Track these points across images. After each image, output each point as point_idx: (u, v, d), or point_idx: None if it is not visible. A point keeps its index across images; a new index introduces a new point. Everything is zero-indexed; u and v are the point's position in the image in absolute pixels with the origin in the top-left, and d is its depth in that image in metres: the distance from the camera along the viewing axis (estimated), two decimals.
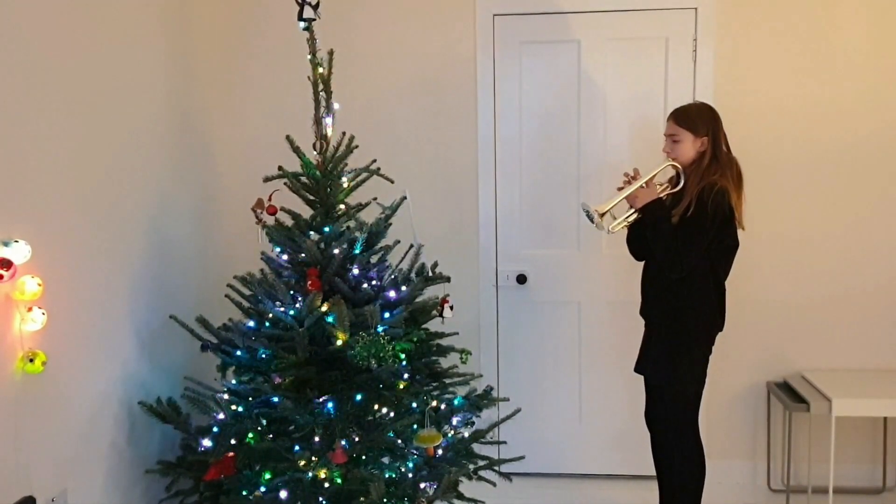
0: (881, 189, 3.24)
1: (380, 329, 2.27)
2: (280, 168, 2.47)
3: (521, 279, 3.45)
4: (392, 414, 2.37)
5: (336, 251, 2.40)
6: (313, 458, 2.22)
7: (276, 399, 2.27)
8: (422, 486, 2.36)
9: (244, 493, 2.31)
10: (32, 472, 1.97)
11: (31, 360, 1.89)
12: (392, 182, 2.60)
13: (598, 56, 3.31)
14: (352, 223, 2.52)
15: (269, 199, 2.50)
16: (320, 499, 2.26)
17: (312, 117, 2.48)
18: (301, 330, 2.25)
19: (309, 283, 2.36)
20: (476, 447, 2.60)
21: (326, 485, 2.23)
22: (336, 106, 2.51)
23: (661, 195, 2.63)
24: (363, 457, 2.36)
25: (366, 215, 2.60)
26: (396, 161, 3.15)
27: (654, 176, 2.64)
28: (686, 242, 2.51)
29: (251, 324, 2.44)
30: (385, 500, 2.24)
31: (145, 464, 2.55)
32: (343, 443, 2.24)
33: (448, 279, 2.66)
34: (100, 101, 2.35)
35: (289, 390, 2.32)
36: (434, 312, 2.59)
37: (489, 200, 3.42)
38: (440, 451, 2.45)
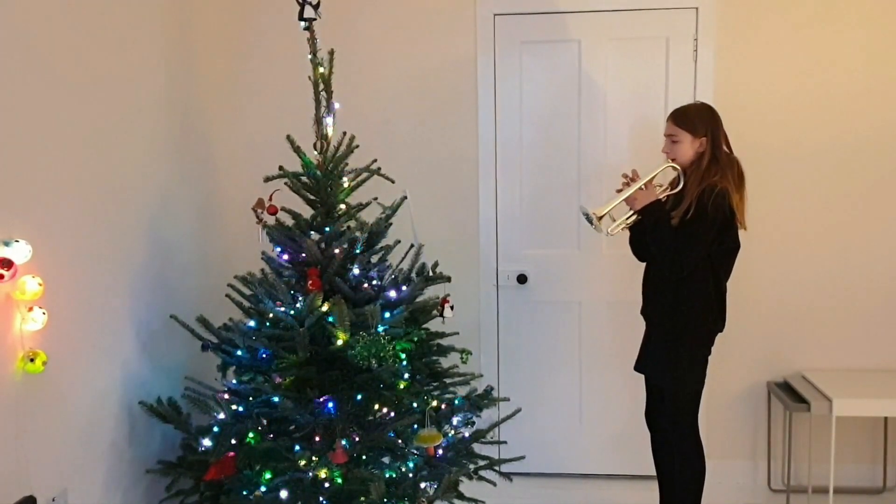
0: (882, 188, 3.24)
1: (380, 329, 2.27)
2: (281, 168, 2.47)
3: (522, 279, 3.45)
4: (392, 414, 2.37)
5: (336, 251, 2.40)
6: (314, 458, 2.22)
7: (276, 399, 2.27)
8: (422, 485, 2.36)
9: (244, 492, 2.31)
10: (33, 472, 1.97)
11: (32, 360, 1.89)
12: (392, 182, 2.60)
13: (598, 56, 3.31)
14: (352, 223, 2.52)
15: (270, 199, 2.50)
16: (321, 498, 2.26)
17: (313, 117, 2.48)
18: (301, 330, 2.25)
19: (309, 282, 2.36)
20: (476, 447, 2.60)
21: (327, 485, 2.23)
22: (336, 105, 2.51)
23: (661, 196, 2.62)
24: (363, 457, 2.36)
25: (366, 215, 2.60)
26: (397, 161, 3.15)
27: (654, 177, 2.63)
28: (686, 244, 2.51)
29: (252, 323, 2.44)
30: (385, 499, 2.24)
31: (146, 463, 2.55)
32: (343, 442, 2.24)
33: (448, 279, 2.66)
34: (100, 100, 2.35)
35: (289, 390, 2.32)
36: (434, 312, 2.59)
37: (489, 200, 3.42)
38: (440, 451, 2.45)
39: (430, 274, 2.64)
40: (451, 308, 2.60)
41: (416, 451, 2.41)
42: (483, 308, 3.48)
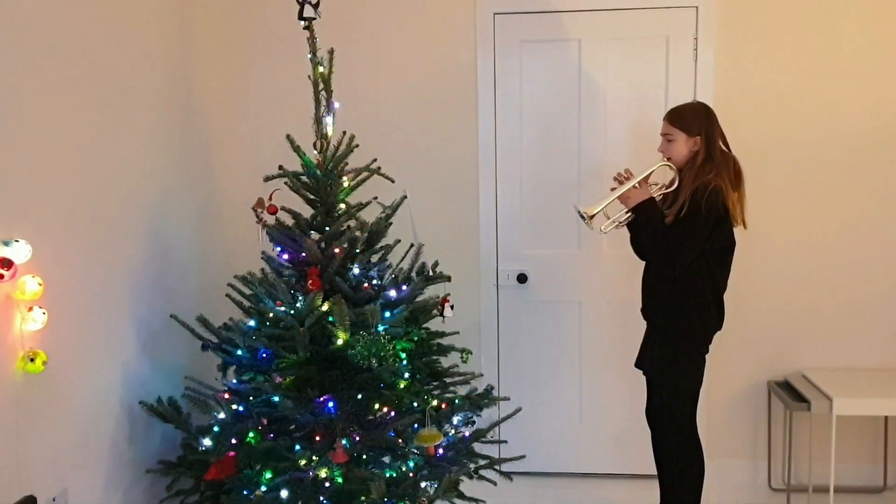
0: (883, 188, 3.23)
1: (380, 328, 2.27)
2: (280, 167, 2.47)
3: (522, 278, 3.45)
4: (393, 413, 2.37)
5: (337, 250, 2.40)
6: (314, 458, 2.22)
7: (276, 398, 2.27)
8: (422, 485, 2.36)
9: (245, 492, 2.31)
10: (33, 472, 1.97)
11: (32, 360, 1.89)
12: (392, 181, 2.60)
13: (598, 55, 3.31)
14: (352, 222, 2.52)
15: (270, 199, 2.50)
16: (321, 498, 2.26)
17: (313, 116, 2.48)
18: (302, 329, 2.25)
19: (309, 282, 2.36)
20: (477, 446, 2.60)
21: (327, 484, 2.23)
22: (336, 105, 2.51)
23: (657, 195, 2.64)
24: (364, 456, 2.36)
25: (366, 214, 2.60)
26: (397, 160, 3.15)
27: (648, 176, 2.65)
28: (679, 242, 2.52)
29: (252, 323, 2.44)
30: (386, 499, 2.24)
31: (146, 463, 2.55)
32: (344, 442, 2.24)
33: (448, 278, 2.66)
34: (100, 100, 2.35)
35: (289, 390, 2.32)
36: (434, 312, 2.59)
37: (490, 199, 3.42)
38: (441, 451, 2.45)
39: (431, 273, 2.64)
40: (452, 307, 2.60)
41: (416, 451, 2.41)
42: (483, 307, 3.48)
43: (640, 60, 3.29)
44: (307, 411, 2.27)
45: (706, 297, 2.59)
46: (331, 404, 2.28)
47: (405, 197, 2.64)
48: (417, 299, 2.55)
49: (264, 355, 2.36)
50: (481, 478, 2.60)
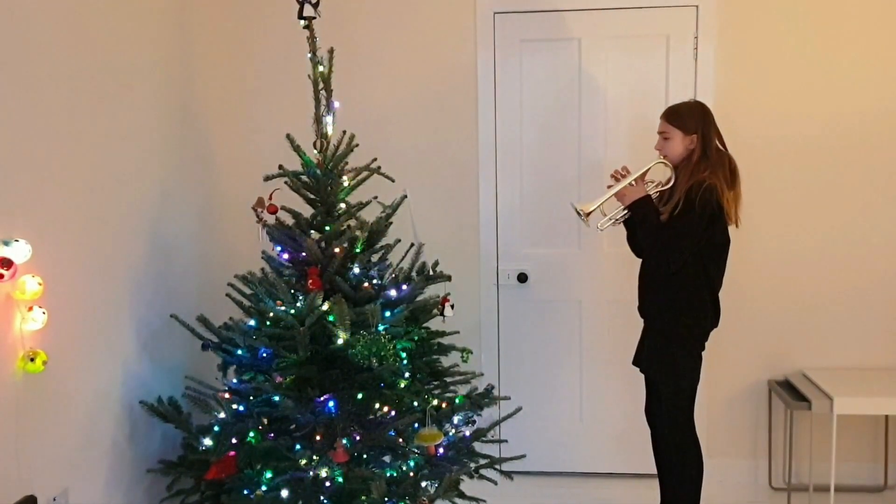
0: (883, 186, 3.23)
1: (381, 328, 2.27)
2: (280, 167, 2.47)
3: (522, 278, 3.44)
4: (393, 413, 2.37)
5: (337, 250, 2.40)
6: (314, 457, 2.22)
7: (277, 398, 2.27)
8: (423, 484, 2.36)
9: (245, 492, 2.31)
10: (34, 472, 1.97)
11: (32, 360, 1.89)
12: (393, 180, 2.60)
13: (598, 54, 3.31)
14: (352, 222, 2.52)
15: (270, 198, 2.50)
16: (321, 498, 2.26)
17: (313, 116, 2.47)
18: (302, 329, 2.25)
19: (310, 281, 2.36)
20: (477, 446, 2.60)
21: (328, 484, 2.23)
22: (336, 104, 2.50)
23: (653, 193, 2.66)
24: (364, 455, 2.36)
25: (366, 214, 2.59)
26: (397, 159, 3.15)
27: (644, 173, 2.67)
28: (675, 239, 2.53)
29: (252, 323, 2.44)
30: (386, 498, 2.24)
31: (146, 463, 2.55)
32: (344, 442, 2.24)
33: (449, 278, 2.66)
34: (100, 100, 2.35)
35: (290, 389, 2.32)
36: (435, 311, 2.59)
37: (490, 198, 3.42)
38: (441, 450, 2.44)
39: (431, 273, 2.64)
40: (452, 307, 2.60)
41: (416, 450, 2.41)
42: (483, 307, 3.47)
43: (640, 59, 3.29)
44: (307, 411, 2.27)
45: (702, 295, 2.61)
46: (331, 404, 2.28)
47: (405, 196, 2.64)
48: (418, 299, 2.55)
49: (264, 355, 2.36)
50: (482, 477, 2.59)
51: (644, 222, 2.59)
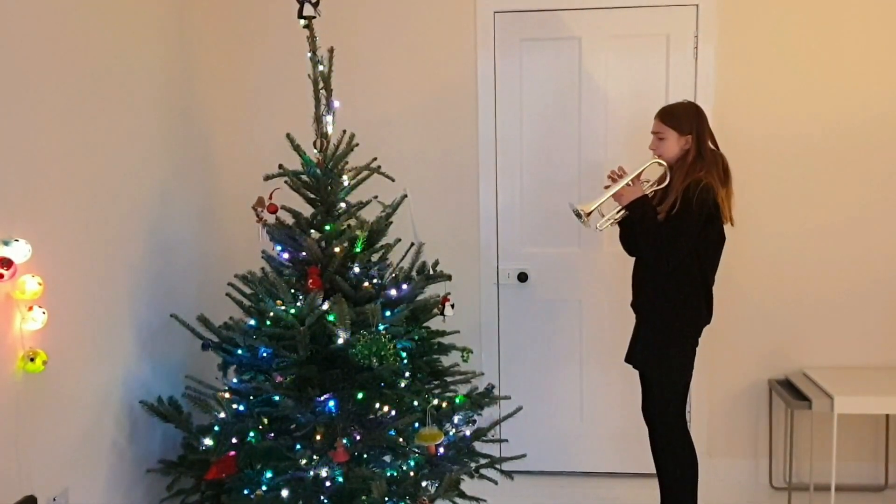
0: (883, 185, 3.23)
1: (381, 327, 2.26)
2: (280, 166, 2.47)
3: (523, 277, 3.44)
4: (393, 412, 2.37)
5: (337, 249, 2.40)
6: (315, 457, 2.22)
7: (277, 398, 2.27)
8: (423, 484, 2.36)
9: (245, 492, 2.31)
10: (33, 472, 1.97)
11: (32, 360, 1.89)
12: (393, 180, 2.60)
13: (598, 53, 3.31)
14: (352, 221, 2.51)
15: (270, 198, 2.50)
16: (322, 497, 2.26)
17: (313, 115, 2.47)
18: (302, 328, 2.25)
19: (310, 281, 2.36)
20: (477, 445, 2.60)
21: (328, 483, 2.23)
22: (336, 104, 2.50)
23: (648, 192, 2.68)
24: (364, 455, 2.36)
25: (366, 213, 2.59)
26: (397, 159, 3.15)
27: (640, 173, 2.69)
28: (672, 238, 2.54)
29: (252, 322, 2.44)
30: (386, 498, 2.24)
31: (146, 463, 2.55)
32: (344, 441, 2.24)
33: (449, 277, 2.66)
34: (100, 100, 2.35)
35: (290, 389, 2.31)
36: (435, 311, 2.59)
37: (490, 198, 3.42)
38: (441, 450, 2.44)
39: (431, 272, 2.64)
40: (452, 306, 2.60)
41: (417, 450, 2.41)
42: (484, 306, 3.47)
43: (640, 59, 3.29)
44: (308, 410, 2.27)
45: (696, 291, 2.62)
46: (331, 403, 2.28)
47: (405, 196, 2.64)
48: (418, 298, 2.55)
49: (265, 354, 2.36)
50: (482, 477, 2.59)
51: (642, 221, 2.60)
